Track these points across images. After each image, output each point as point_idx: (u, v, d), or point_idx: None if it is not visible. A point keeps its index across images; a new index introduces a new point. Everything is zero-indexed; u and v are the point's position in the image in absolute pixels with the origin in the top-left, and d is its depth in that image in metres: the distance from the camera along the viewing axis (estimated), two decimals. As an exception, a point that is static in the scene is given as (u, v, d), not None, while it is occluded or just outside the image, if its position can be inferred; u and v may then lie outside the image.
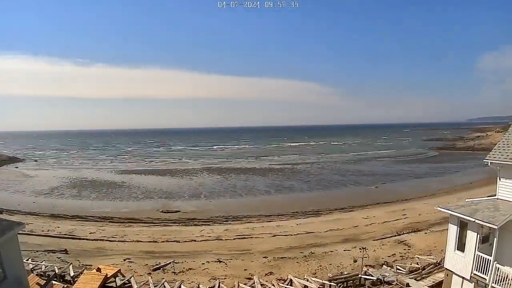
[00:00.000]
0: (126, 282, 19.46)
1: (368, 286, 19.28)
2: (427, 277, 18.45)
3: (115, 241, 30.95)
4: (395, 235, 30.66)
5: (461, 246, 14.06)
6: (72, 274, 20.08)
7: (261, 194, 55.12)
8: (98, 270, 18.74)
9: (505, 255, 12.39)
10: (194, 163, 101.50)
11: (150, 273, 22.94)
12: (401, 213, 38.88)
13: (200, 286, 19.84)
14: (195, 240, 31.36)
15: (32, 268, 20.58)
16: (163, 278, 20.98)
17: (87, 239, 31.23)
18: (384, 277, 19.29)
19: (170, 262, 25.02)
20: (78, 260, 25.24)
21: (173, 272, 23.73)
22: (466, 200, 15.28)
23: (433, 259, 21.87)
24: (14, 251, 11.68)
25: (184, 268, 24.45)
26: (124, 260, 25.75)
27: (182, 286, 19.82)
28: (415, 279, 18.21)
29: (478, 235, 13.19)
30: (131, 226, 36.65)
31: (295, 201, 48.68)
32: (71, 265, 21.79)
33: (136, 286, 18.94)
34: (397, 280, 18.32)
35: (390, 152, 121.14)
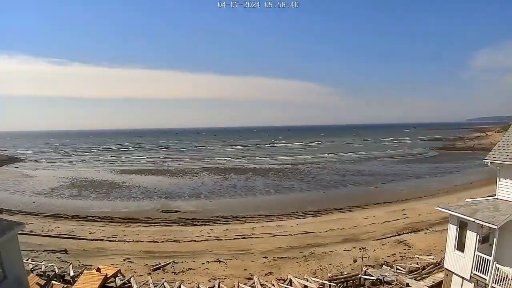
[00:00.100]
0: (126, 282, 19.46)
1: (368, 286, 19.29)
2: (427, 277, 18.45)
3: (115, 241, 30.94)
4: (395, 235, 30.66)
5: (461, 246, 14.08)
6: (72, 274, 20.09)
7: (261, 194, 55.07)
8: (98, 270, 18.74)
9: (505, 255, 12.40)
10: (194, 163, 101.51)
11: (150, 273, 22.94)
12: (401, 213, 38.85)
13: (200, 286, 19.83)
14: (195, 240, 31.37)
15: (32, 268, 20.56)
16: (163, 278, 20.98)
17: (87, 239, 31.23)
18: (384, 277, 19.29)
19: (170, 262, 25.02)
20: (78, 260, 25.24)
21: (173, 272, 23.73)
22: (466, 200, 15.31)
23: (433, 259, 21.86)
24: (14, 251, 11.70)
25: (184, 268, 24.45)
26: (124, 260, 25.75)
27: (182, 286, 19.81)
28: (415, 279, 18.21)
29: (478, 235, 13.21)
30: (131, 226, 36.63)
31: (295, 201, 48.66)
32: (71, 265, 21.79)
33: (136, 286, 18.94)
34: (397, 280, 18.33)
35: (390, 152, 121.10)
